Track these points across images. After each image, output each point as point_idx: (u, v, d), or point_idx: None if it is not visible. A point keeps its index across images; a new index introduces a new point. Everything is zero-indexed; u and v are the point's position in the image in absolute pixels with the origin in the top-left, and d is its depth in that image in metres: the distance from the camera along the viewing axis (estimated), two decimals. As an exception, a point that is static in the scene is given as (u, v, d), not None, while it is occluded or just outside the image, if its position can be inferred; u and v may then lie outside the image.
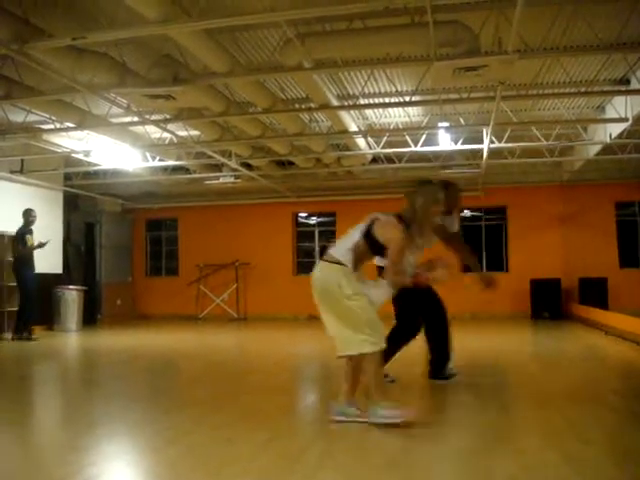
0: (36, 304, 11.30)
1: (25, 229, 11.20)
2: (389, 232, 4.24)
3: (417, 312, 5.90)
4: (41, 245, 11.30)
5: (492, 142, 11.14)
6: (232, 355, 9.31)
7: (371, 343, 4.11)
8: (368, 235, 4.26)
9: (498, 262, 16.18)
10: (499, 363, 7.87)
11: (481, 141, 11.32)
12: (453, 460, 3.55)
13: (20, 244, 11.06)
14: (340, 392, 4.39)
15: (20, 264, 11.13)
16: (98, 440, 3.99)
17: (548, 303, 14.51)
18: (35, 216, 11.34)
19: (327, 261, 4.29)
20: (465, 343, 10.27)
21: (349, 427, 4.07)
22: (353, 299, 4.16)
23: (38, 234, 11.29)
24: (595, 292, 13.83)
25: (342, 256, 4.24)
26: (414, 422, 4.08)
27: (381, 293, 4.37)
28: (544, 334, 11.65)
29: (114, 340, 11.59)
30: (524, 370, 7.28)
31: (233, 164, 12.58)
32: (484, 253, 16.27)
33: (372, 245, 4.26)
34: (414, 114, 11.32)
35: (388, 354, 5.76)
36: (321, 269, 4.31)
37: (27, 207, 11.42)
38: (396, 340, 5.66)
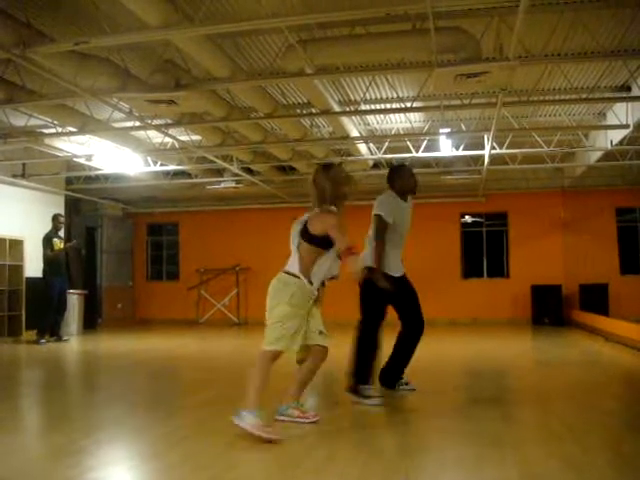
0: (57, 310, 11.35)
1: (52, 234, 11.36)
2: (324, 219, 4.28)
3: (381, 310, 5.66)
4: (67, 248, 11.55)
5: (493, 148, 11.14)
6: (233, 360, 9.30)
7: (271, 341, 4.24)
8: (307, 236, 4.32)
9: (499, 268, 16.18)
10: (499, 369, 7.87)
11: (482, 147, 11.33)
12: (454, 467, 3.55)
13: (48, 248, 11.20)
14: (287, 392, 4.52)
15: (48, 269, 11.27)
16: (98, 445, 3.99)
17: (549, 309, 14.49)
18: (63, 222, 11.61)
19: (286, 273, 4.37)
20: (466, 348, 10.28)
21: (350, 433, 4.07)
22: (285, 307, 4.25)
23: (41, 238, 11.29)
24: (596, 298, 13.80)
25: (294, 269, 4.34)
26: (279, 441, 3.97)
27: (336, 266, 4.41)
28: (544, 340, 11.64)
29: (114, 344, 11.59)
30: (524, 376, 7.28)
31: (234, 169, 12.59)
32: (485, 259, 16.28)
33: (317, 243, 4.30)
34: (415, 120, 11.33)
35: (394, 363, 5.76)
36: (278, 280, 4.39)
37: (56, 212, 11.83)
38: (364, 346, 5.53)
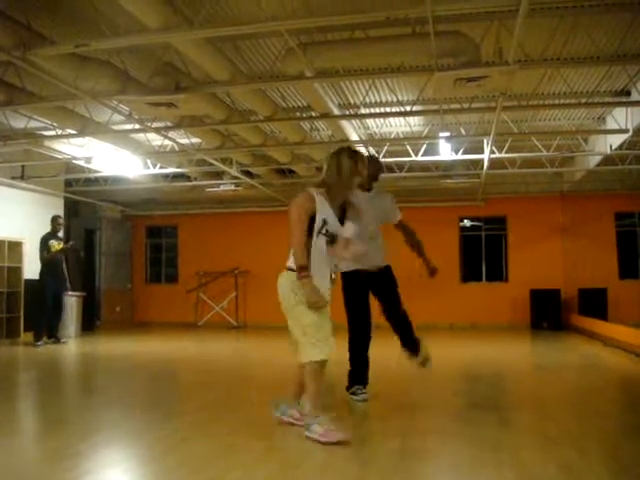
0: (52, 312, 11.34)
1: (49, 235, 11.33)
2: (291, 208, 4.20)
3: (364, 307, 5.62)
4: (65, 250, 11.52)
5: (493, 152, 11.15)
6: (231, 363, 9.30)
7: (312, 353, 4.09)
8: None
9: (498, 272, 16.18)
10: (498, 373, 7.86)
11: (482, 151, 11.34)
12: (451, 472, 3.54)
13: (44, 250, 11.16)
14: (290, 392, 4.48)
15: (44, 270, 11.24)
16: (95, 447, 3.98)
17: (547, 313, 14.48)
18: (62, 223, 11.58)
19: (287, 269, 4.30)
20: (464, 352, 10.28)
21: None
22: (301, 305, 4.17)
23: (36, 240, 11.27)
24: (595, 303, 13.80)
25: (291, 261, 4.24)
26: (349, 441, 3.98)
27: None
28: (543, 344, 11.63)
29: (113, 347, 11.57)
30: (523, 380, 7.28)
31: (234, 172, 12.59)
32: (484, 263, 16.28)
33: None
34: (415, 124, 11.34)
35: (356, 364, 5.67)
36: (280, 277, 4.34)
37: (55, 214, 11.79)
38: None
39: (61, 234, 11.79)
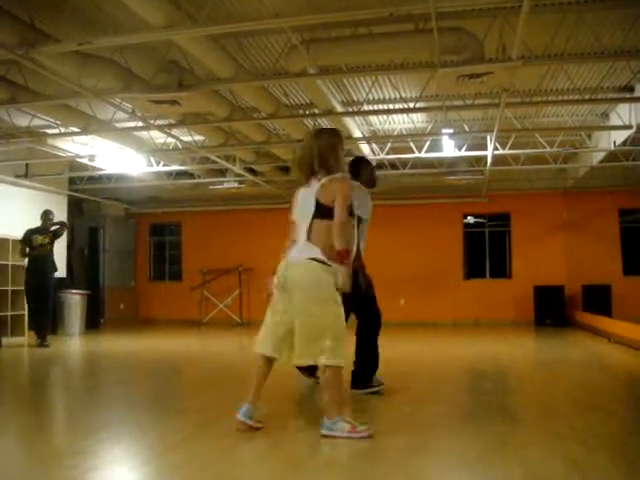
0: (35, 310, 10.83)
1: (33, 230, 10.71)
2: (342, 188, 4.04)
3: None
4: (56, 233, 10.90)
5: (496, 149, 11.15)
6: (235, 360, 9.30)
7: (341, 357, 3.96)
8: (321, 209, 4.04)
9: (501, 268, 16.18)
10: (502, 369, 7.86)
11: (485, 148, 11.33)
12: (457, 468, 3.54)
13: (27, 245, 10.64)
14: (249, 392, 4.16)
15: (28, 266, 10.85)
16: (100, 445, 3.99)
17: (551, 310, 14.48)
18: (53, 218, 10.93)
19: (314, 260, 4.01)
20: (468, 349, 10.27)
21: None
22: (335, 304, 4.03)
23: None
24: (599, 299, 13.81)
25: (316, 254, 4.01)
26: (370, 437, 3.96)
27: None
28: (547, 341, 11.63)
29: (117, 344, 11.59)
30: (527, 377, 7.27)
31: (237, 169, 12.60)
32: (487, 259, 16.27)
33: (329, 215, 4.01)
34: (418, 120, 11.33)
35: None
36: (312, 268, 4.02)
37: (45, 209, 11.07)
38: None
39: (53, 228, 10.96)
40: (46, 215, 10.89)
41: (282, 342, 4.10)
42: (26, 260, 10.88)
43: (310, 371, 5.83)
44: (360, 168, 5.80)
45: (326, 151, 4.14)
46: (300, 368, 5.81)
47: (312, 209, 4.07)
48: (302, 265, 4.03)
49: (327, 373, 3.96)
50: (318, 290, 4.00)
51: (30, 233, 10.72)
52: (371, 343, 5.65)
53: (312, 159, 4.13)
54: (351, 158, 6.05)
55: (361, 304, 5.60)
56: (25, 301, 11.00)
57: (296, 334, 4.03)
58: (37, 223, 10.81)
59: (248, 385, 4.19)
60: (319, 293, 4.00)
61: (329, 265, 3.98)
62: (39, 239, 10.70)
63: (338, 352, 3.93)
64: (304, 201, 4.17)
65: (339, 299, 4.04)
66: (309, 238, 4.06)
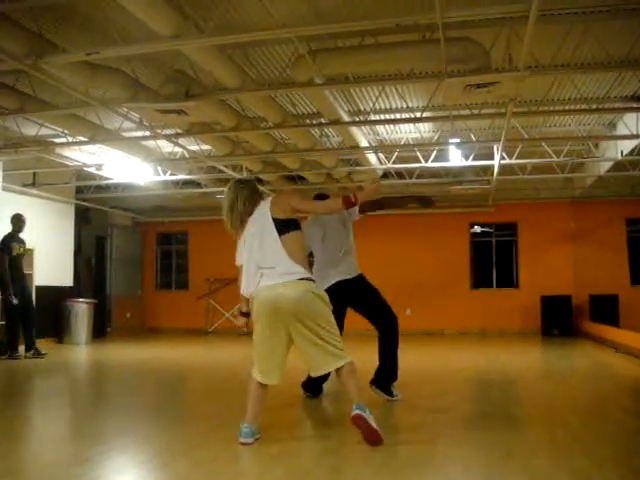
0: (17, 320, 10.15)
1: (9, 238, 10.12)
2: (290, 197, 4.41)
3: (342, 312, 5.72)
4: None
5: (503, 158, 11.13)
6: (241, 369, 9.29)
7: (346, 353, 4.15)
8: (281, 224, 4.20)
9: (508, 278, 16.14)
10: (508, 379, 7.83)
11: (492, 157, 11.32)
12: (462, 478, 3.53)
13: (6, 254, 9.95)
14: (249, 414, 4.20)
15: (11, 276, 9.98)
16: (106, 453, 3.99)
17: (558, 320, 14.42)
18: (25, 221, 10.35)
19: (301, 279, 4.14)
20: (475, 359, 10.24)
21: (358, 442, 4.05)
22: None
23: (51, 247, 11.19)
24: (606, 309, 13.75)
25: (302, 272, 4.16)
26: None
27: None
28: (554, 351, 11.58)
29: (124, 353, 11.60)
30: (533, 387, 7.24)
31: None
32: (494, 269, 16.24)
33: (294, 226, 4.23)
34: (425, 130, 11.34)
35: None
36: (304, 289, 4.14)
37: (16, 212, 10.44)
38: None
39: (22, 235, 10.43)
40: (19, 219, 10.37)
41: (282, 367, 4.27)
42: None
43: (314, 392, 6.04)
44: None
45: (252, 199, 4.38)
46: (307, 390, 6.02)
47: (272, 228, 4.18)
48: (294, 288, 4.10)
49: (344, 370, 4.12)
50: (316, 307, 4.13)
51: (9, 241, 10.13)
52: (393, 348, 5.81)
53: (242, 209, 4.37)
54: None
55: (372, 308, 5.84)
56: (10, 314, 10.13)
57: (306, 351, 4.17)
58: (44, 232, 10.80)
59: (248, 408, 4.22)
60: (319, 309, 4.14)
61: (313, 280, 4.20)
62: (17, 248, 10.20)
63: (343, 351, 4.14)
64: (259, 228, 4.25)
65: (330, 306, 4.20)
66: (289, 255, 4.14)
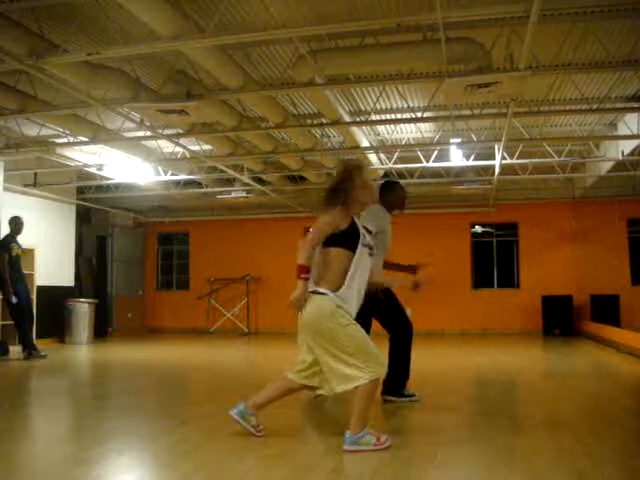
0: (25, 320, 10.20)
1: (9, 239, 10.15)
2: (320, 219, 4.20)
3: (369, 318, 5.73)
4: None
5: (504, 158, 11.13)
6: (242, 369, 9.30)
7: (365, 375, 3.92)
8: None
9: (509, 278, 16.13)
10: (509, 380, 7.83)
11: (493, 157, 11.32)
12: (464, 478, 3.53)
13: (6, 254, 9.93)
14: (254, 396, 4.31)
15: (11, 276, 9.96)
16: (107, 454, 3.99)
17: (559, 320, 14.43)
18: (23, 223, 10.32)
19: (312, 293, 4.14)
20: (476, 359, 10.24)
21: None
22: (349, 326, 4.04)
23: (52, 247, 11.20)
24: (607, 309, 13.72)
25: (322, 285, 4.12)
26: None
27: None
28: (555, 351, 11.58)
29: (125, 353, 11.60)
30: (535, 387, 7.24)
31: (245, 179, 12.62)
32: (495, 269, 16.23)
33: (336, 242, 4.16)
34: (426, 130, 11.34)
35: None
36: (313, 304, 4.13)
37: (14, 215, 10.41)
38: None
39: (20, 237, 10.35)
40: (18, 221, 10.33)
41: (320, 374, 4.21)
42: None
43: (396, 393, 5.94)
44: (383, 192, 5.94)
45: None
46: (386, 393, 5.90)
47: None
48: (308, 303, 4.11)
49: (357, 390, 3.96)
50: (322, 322, 4.05)
51: (10, 241, 10.18)
52: (402, 354, 5.81)
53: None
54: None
55: (386, 318, 5.94)
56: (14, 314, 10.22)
57: (326, 368, 4.08)
58: (45, 232, 10.79)
59: (261, 392, 4.30)
60: (326, 324, 4.03)
61: (324, 294, 4.06)
62: (15, 249, 10.21)
63: (368, 367, 3.92)
64: None
65: (346, 319, 4.02)
66: (320, 266, 4.24)
